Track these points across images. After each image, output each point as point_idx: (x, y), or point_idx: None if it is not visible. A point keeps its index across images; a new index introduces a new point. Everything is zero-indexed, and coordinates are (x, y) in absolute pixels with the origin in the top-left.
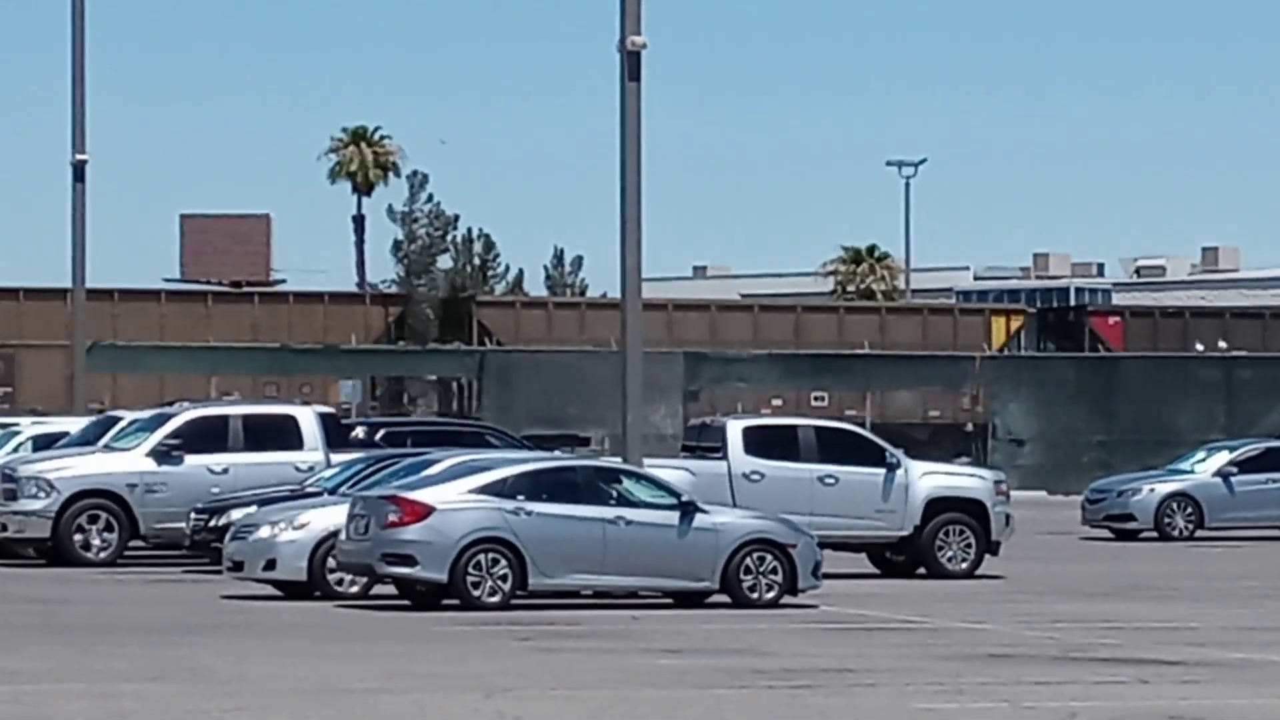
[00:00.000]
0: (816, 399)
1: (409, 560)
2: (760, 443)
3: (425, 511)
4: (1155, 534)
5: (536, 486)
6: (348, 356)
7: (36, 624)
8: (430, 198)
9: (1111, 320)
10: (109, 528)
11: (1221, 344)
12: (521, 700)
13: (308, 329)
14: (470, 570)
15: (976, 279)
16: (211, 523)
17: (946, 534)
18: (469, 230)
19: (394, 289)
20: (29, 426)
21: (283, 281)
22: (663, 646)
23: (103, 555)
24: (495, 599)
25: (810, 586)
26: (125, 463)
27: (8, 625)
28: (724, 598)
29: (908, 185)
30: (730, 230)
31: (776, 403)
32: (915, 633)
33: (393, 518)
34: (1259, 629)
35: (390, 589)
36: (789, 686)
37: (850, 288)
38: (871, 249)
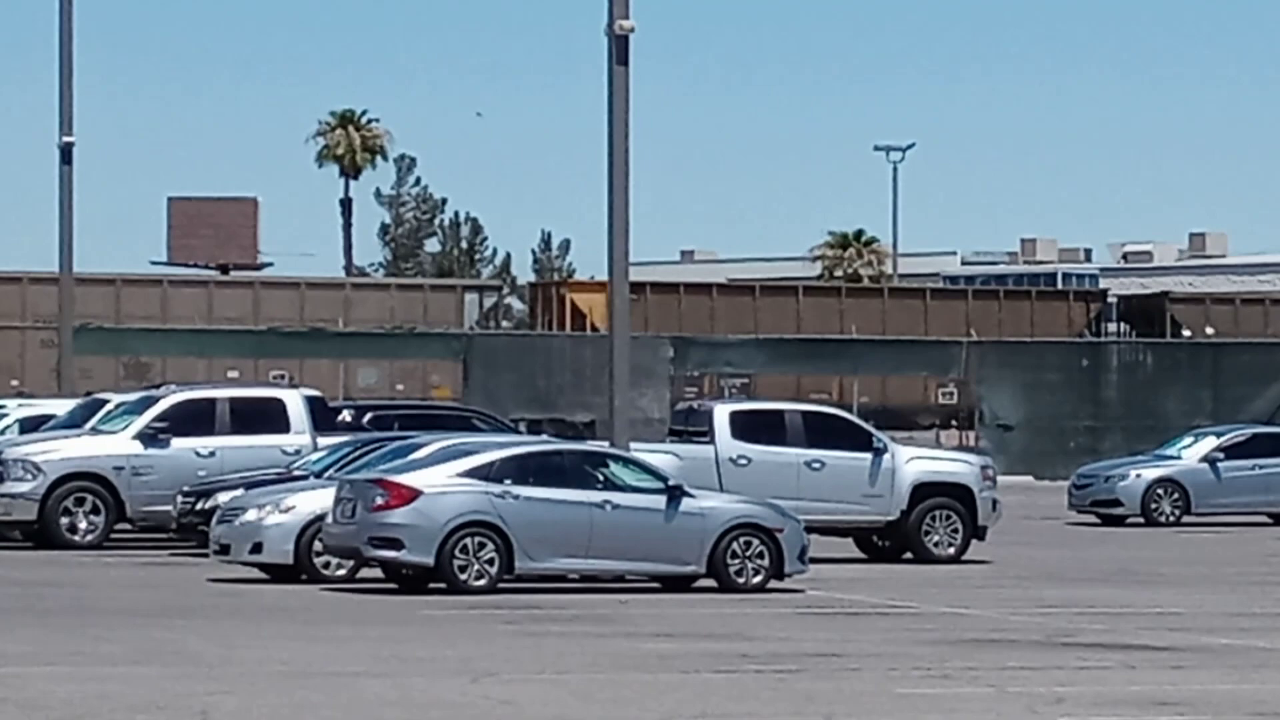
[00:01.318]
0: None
1: (395, 544)
2: (747, 427)
3: (412, 495)
4: (1142, 519)
5: (523, 470)
6: (334, 340)
7: (22, 606)
8: (418, 181)
9: None
10: (95, 510)
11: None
12: (508, 684)
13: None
14: (457, 554)
15: (964, 264)
16: (198, 506)
17: (933, 519)
18: (456, 214)
19: (379, 272)
20: (16, 409)
21: (270, 265)
22: (649, 631)
23: (89, 538)
24: (482, 583)
25: (797, 571)
26: (112, 445)
27: None
28: (710, 582)
29: (895, 170)
30: (718, 215)
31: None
32: (901, 617)
33: (379, 501)
34: (1245, 614)
35: (377, 572)
36: (775, 671)
37: (838, 272)
38: (859, 234)
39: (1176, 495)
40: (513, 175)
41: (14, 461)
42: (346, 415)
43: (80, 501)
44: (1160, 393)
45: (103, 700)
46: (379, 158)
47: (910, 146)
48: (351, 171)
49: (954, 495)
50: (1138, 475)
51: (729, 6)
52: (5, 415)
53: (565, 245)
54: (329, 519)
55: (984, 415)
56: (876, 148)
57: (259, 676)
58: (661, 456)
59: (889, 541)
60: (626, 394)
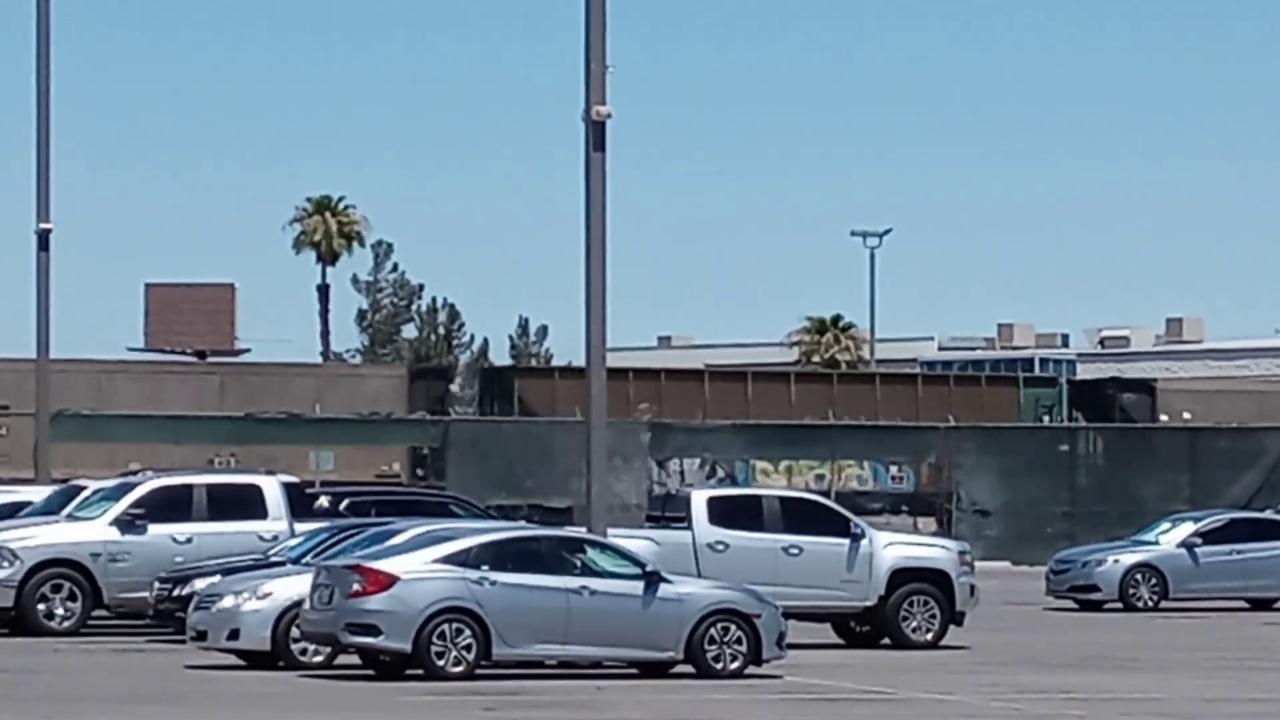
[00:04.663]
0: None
1: (373, 630)
2: (725, 513)
3: (389, 581)
4: (1120, 605)
5: (501, 556)
6: (311, 426)
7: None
8: (395, 267)
9: None
10: (72, 597)
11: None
12: None
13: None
14: (434, 640)
15: (941, 349)
16: (175, 592)
17: (911, 604)
18: (434, 299)
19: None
20: None
21: (247, 351)
22: (627, 717)
23: (66, 625)
24: (459, 669)
25: (775, 657)
26: (89, 532)
27: None
28: (688, 668)
29: (872, 255)
30: (695, 300)
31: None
32: (880, 703)
33: (356, 587)
34: (1223, 700)
35: (354, 659)
36: None
37: (815, 358)
38: (836, 319)
39: (1154, 580)
40: (490, 261)
41: None
42: (324, 501)
43: (57, 588)
44: (1137, 478)
45: None
46: (356, 244)
47: (887, 232)
48: (329, 257)
49: (932, 581)
50: (1115, 560)
51: (706, 93)
52: None
53: (543, 331)
54: (306, 605)
55: (961, 500)
56: (853, 233)
57: None
58: (639, 542)
59: (867, 627)
60: (604, 479)
